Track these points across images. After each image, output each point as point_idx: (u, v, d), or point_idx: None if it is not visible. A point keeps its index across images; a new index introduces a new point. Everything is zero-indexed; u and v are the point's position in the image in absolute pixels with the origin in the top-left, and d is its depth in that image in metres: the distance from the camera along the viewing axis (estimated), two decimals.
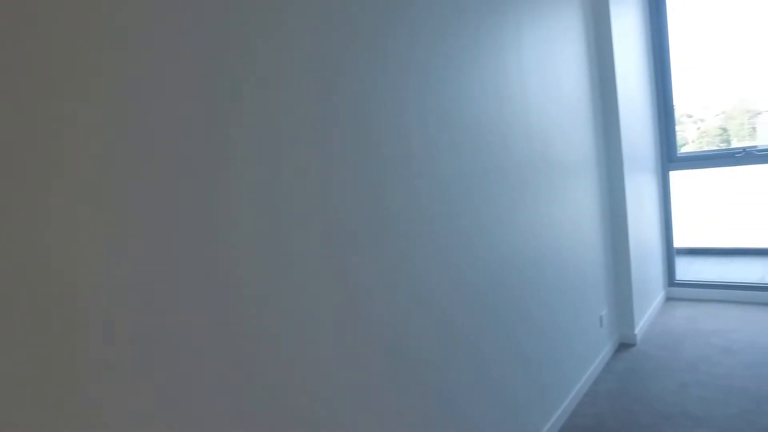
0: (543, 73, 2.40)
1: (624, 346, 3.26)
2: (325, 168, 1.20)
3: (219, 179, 0.96)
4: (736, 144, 7.02)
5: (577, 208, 2.78)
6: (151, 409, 0.85)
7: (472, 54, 1.85)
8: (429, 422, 1.56)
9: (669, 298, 3.99)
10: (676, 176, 3.89)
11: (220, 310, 0.96)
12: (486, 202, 1.91)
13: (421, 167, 1.55)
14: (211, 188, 0.95)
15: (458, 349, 1.72)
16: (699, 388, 2.64)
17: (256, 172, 1.03)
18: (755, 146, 3.54)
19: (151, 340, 0.85)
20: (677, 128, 5.47)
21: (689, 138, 7.20)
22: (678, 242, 4.03)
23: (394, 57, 1.45)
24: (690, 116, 7.63)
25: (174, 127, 0.89)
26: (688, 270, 4.47)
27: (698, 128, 7.27)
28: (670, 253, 3.97)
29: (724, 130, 7.36)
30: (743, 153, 3.51)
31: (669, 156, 3.81)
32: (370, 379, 1.33)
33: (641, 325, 3.40)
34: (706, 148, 7.20)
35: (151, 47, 0.87)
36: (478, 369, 1.84)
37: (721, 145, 7.31)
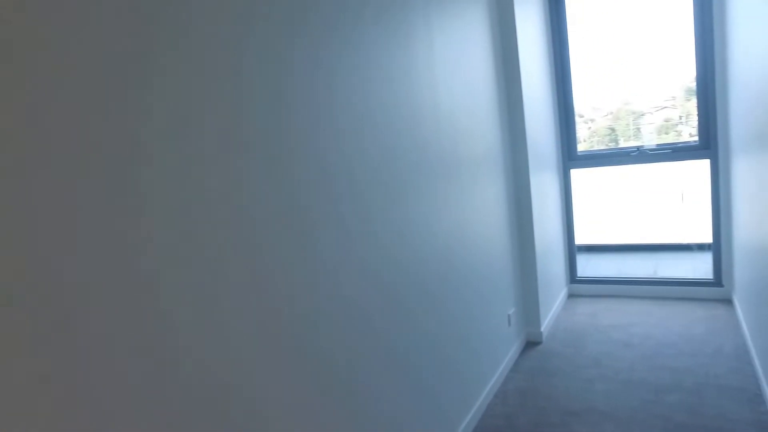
0: (453, 75, 2.36)
1: (531, 344, 3.24)
2: (236, 165, 1.15)
3: (127, 175, 0.91)
4: (623, 143, 7.47)
5: (486, 207, 2.71)
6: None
7: (383, 56, 1.76)
8: (344, 419, 1.47)
9: (571, 295, 4.06)
10: (575, 174, 3.97)
11: (128, 302, 0.91)
12: (399, 200, 1.85)
13: (334, 167, 1.46)
14: (119, 183, 0.90)
15: (375, 346, 1.64)
16: (603, 382, 2.64)
17: (166, 167, 0.98)
18: (648, 145, 3.68)
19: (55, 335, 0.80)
20: None
21: (581, 137, 7.57)
22: (578, 239, 4.12)
23: (301, 59, 1.36)
24: (581, 116, 8.05)
25: (79, 126, 0.84)
26: (587, 266, 4.61)
27: (589, 128, 7.68)
28: (572, 251, 4.05)
29: (613, 130, 7.82)
30: (637, 152, 3.64)
31: (569, 154, 3.88)
32: (281, 377, 1.25)
33: (546, 322, 3.40)
34: (596, 147, 7.62)
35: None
36: (395, 366, 1.75)
37: (609, 144, 7.77)
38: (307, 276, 1.33)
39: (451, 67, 2.33)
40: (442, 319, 2.13)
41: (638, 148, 3.65)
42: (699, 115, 3.49)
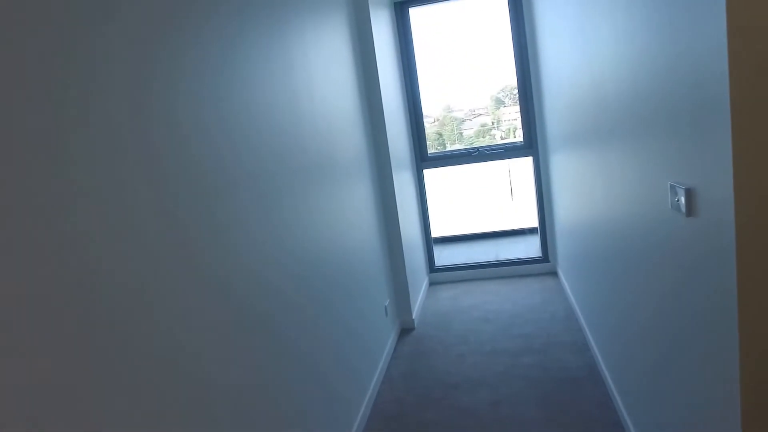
0: (326, 84, 2.52)
1: (405, 331, 3.58)
2: (113, 165, 1.04)
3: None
4: (449, 147, 8.34)
5: (360, 207, 2.95)
6: None
7: (265, 69, 1.83)
8: (240, 413, 1.48)
9: (432, 283, 4.52)
10: (427, 174, 4.42)
11: None
12: (285, 201, 1.91)
13: (214, 175, 1.45)
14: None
15: (275, 349, 1.70)
16: (472, 355, 3.06)
17: (41, 166, 0.88)
18: (488, 146, 4.26)
19: None
20: None
21: None
22: (433, 233, 4.59)
23: (190, 73, 1.37)
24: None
25: None
26: (441, 256, 5.13)
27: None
28: (429, 243, 4.51)
29: (440, 135, 8.68)
30: (477, 152, 4.19)
31: (422, 156, 4.31)
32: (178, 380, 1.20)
33: (416, 310, 3.77)
34: (430, 151, 8.36)
35: None
36: (297, 365, 1.84)
37: (439, 148, 8.59)
38: (189, 285, 1.25)
39: (324, 75, 2.49)
40: (331, 316, 2.26)
41: (478, 149, 4.20)
42: (522, 119, 4.15)
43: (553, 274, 4.26)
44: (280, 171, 1.87)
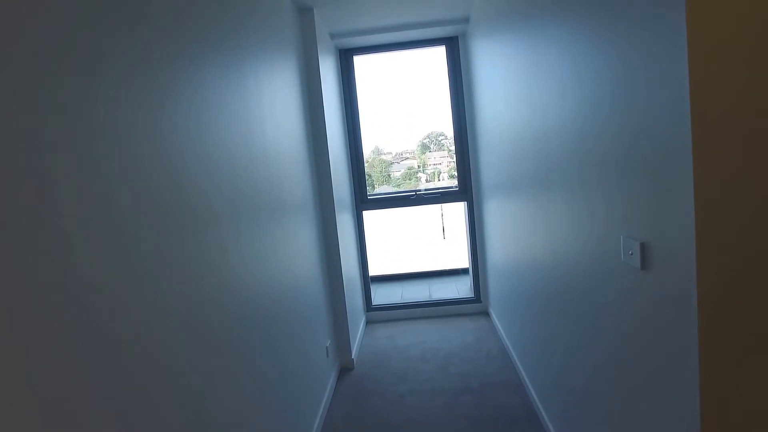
0: (278, 127, 2.58)
1: (345, 370, 3.60)
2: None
3: None
4: (377, 188, 8.59)
5: (306, 248, 2.99)
6: None
7: (221, 101, 1.88)
8: None
9: (369, 322, 4.58)
10: (366, 215, 4.53)
11: None
12: (232, 242, 1.92)
13: (171, 214, 1.46)
14: None
15: (215, 392, 1.66)
16: (412, 395, 3.14)
17: None
18: (425, 189, 4.45)
19: None
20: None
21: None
22: (370, 272, 4.68)
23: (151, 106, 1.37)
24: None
25: None
26: (376, 294, 5.22)
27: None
28: (367, 282, 4.59)
29: (369, 176, 8.94)
30: (415, 195, 4.37)
31: (361, 198, 4.43)
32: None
33: (355, 349, 3.82)
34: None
35: None
36: (237, 407, 1.80)
37: (368, 188, 8.82)
38: (126, 331, 1.33)
39: (276, 119, 2.55)
40: (274, 359, 2.24)
41: (416, 192, 4.38)
42: (457, 167, 4.40)
43: (485, 314, 4.47)
44: (227, 212, 1.87)
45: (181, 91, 1.52)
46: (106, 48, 1.16)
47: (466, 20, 3.94)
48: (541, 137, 2.25)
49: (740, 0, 0.95)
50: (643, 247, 1.35)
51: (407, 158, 8.52)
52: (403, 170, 8.55)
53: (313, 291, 3.13)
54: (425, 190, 4.45)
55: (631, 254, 1.40)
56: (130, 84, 1.25)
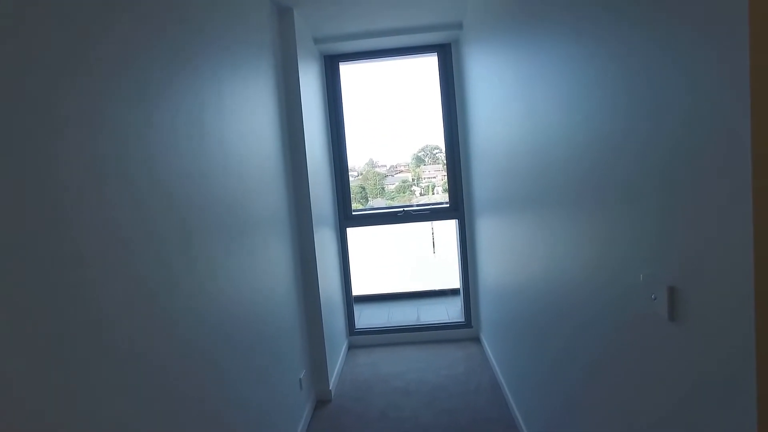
0: (243, 138, 2.33)
1: (321, 403, 3.29)
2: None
3: None
4: (371, 200, 8.35)
5: (277, 269, 2.70)
6: None
7: (172, 112, 1.60)
8: None
9: (351, 346, 4.27)
10: (351, 232, 4.25)
11: None
12: (192, 264, 1.65)
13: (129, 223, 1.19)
14: None
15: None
16: None
17: None
18: (414, 206, 4.18)
19: None
20: None
21: None
22: (354, 292, 4.38)
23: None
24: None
25: None
26: (361, 316, 4.91)
27: None
28: (350, 305, 4.29)
29: (363, 188, 8.69)
30: (403, 212, 4.09)
31: (345, 214, 4.15)
32: None
33: (334, 378, 3.50)
34: (353, 205, 8.32)
35: None
36: None
37: (361, 201, 8.57)
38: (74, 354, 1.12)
39: (241, 130, 2.30)
40: (233, 396, 2.01)
41: (404, 209, 4.10)
42: (449, 183, 4.13)
43: (476, 340, 4.16)
44: (175, 232, 1.62)
45: (125, 90, 1.25)
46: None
47: (459, 26, 3.70)
48: (540, 151, 1.98)
49: None
50: (673, 293, 1.05)
51: (401, 171, 8.27)
52: (397, 183, 8.29)
53: (285, 316, 2.83)
54: (414, 206, 4.18)
55: (655, 299, 1.11)
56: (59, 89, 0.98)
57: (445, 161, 4.16)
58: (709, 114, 0.90)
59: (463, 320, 4.26)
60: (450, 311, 4.98)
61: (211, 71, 2.00)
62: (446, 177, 4.16)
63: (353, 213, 4.17)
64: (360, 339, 4.29)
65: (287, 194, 3.05)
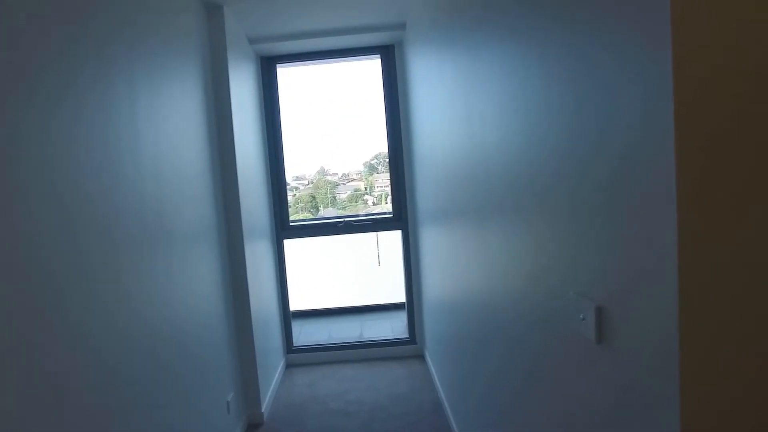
0: (160, 143, 2.11)
1: (252, 427, 3.03)
2: None
3: None
4: (322, 210, 8.14)
5: (200, 284, 2.46)
6: None
7: (74, 127, 1.38)
8: None
9: (289, 365, 4.01)
10: (288, 244, 4.01)
11: None
12: (98, 282, 1.41)
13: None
14: None
15: None
16: None
17: None
18: (355, 217, 3.99)
19: None
20: None
21: (289, 203, 7.94)
22: (293, 306, 4.14)
23: None
24: (287, 184, 8.48)
25: None
26: (301, 333, 4.66)
27: (294, 195, 8.13)
28: (287, 321, 4.04)
29: (313, 198, 8.46)
30: (343, 223, 3.90)
31: (282, 225, 3.91)
32: None
33: (267, 401, 3.25)
34: (301, 214, 8.09)
35: None
36: None
37: (312, 210, 8.35)
38: None
39: (158, 134, 2.08)
40: (153, 419, 1.77)
41: (344, 219, 3.91)
42: (392, 192, 3.97)
43: (420, 357, 3.99)
44: (97, 244, 1.40)
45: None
46: None
47: (402, 26, 3.55)
48: (479, 161, 1.84)
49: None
50: (601, 313, 0.93)
51: (354, 179, 8.10)
52: (349, 192, 8.11)
53: (212, 334, 2.58)
54: (355, 217, 4.00)
55: (583, 319, 0.99)
56: None
57: (389, 169, 4.00)
58: (641, 131, 0.77)
59: (408, 336, 4.09)
60: (395, 327, 4.80)
61: (125, 73, 1.78)
62: (390, 185, 4.00)
63: (291, 224, 3.94)
64: (298, 357, 4.04)
65: (215, 204, 2.81)
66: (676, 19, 0.69)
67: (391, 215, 3.97)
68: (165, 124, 2.16)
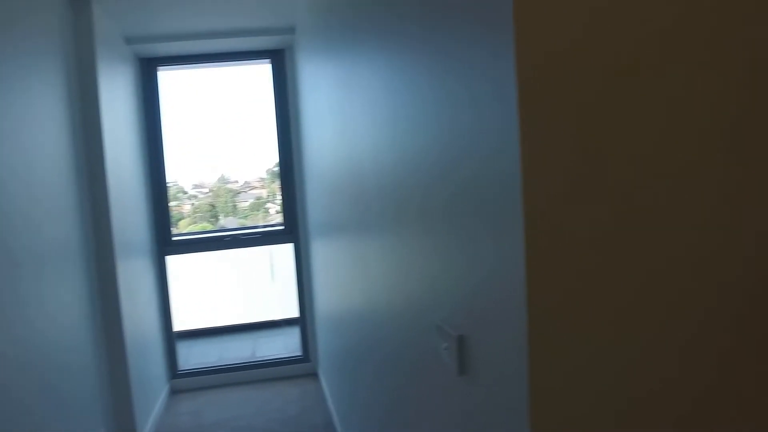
0: (4, 161, 1.83)
1: None
2: None
3: None
4: (222, 219, 7.75)
5: (61, 310, 2.19)
6: None
7: None
8: None
9: (174, 391, 3.72)
10: (172, 260, 3.73)
11: None
12: None
13: None
14: None
15: None
16: None
17: None
18: (244, 230, 3.80)
19: None
20: (174, 204, 5.42)
21: (185, 213, 7.49)
22: (179, 327, 3.86)
23: None
24: (185, 193, 8.02)
25: None
26: (189, 355, 4.35)
27: (192, 204, 7.69)
28: (171, 344, 3.74)
29: (213, 206, 8.05)
30: (231, 238, 3.69)
31: (165, 241, 3.63)
32: None
33: None
34: (199, 224, 7.64)
35: None
36: None
37: (211, 220, 7.93)
38: None
39: (3, 145, 1.81)
40: None
41: (232, 234, 3.71)
42: (283, 204, 3.82)
43: (314, 375, 3.85)
44: None
45: None
46: None
47: (292, 30, 3.42)
48: (356, 174, 1.78)
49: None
50: (462, 342, 0.88)
51: (256, 187, 7.80)
52: (251, 201, 7.78)
53: (75, 366, 2.31)
54: (243, 230, 3.81)
55: (446, 348, 0.94)
56: None
57: (280, 180, 3.85)
58: (496, 151, 0.72)
59: (301, 354, 3.94)
60: (290, 344, 4.62)
61: None
62: (281, 197, 3.85)
63: (174, 239, 3.66)
64: (184, 382, 3.75)
65: (81, 219, 2.53)
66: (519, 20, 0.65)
67: (283, 228, 3.82)
68: (16, 134, 1.90)
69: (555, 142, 0.66)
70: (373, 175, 1.50)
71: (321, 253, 3.17)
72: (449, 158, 0.89)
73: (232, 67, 4.09)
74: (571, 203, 0.67)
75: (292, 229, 3.80)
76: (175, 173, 6.82)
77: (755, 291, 0.74)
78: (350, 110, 1.75)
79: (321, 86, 2.54)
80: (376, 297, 1.64)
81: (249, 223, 7.57)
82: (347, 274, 2.23)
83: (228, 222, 7.76)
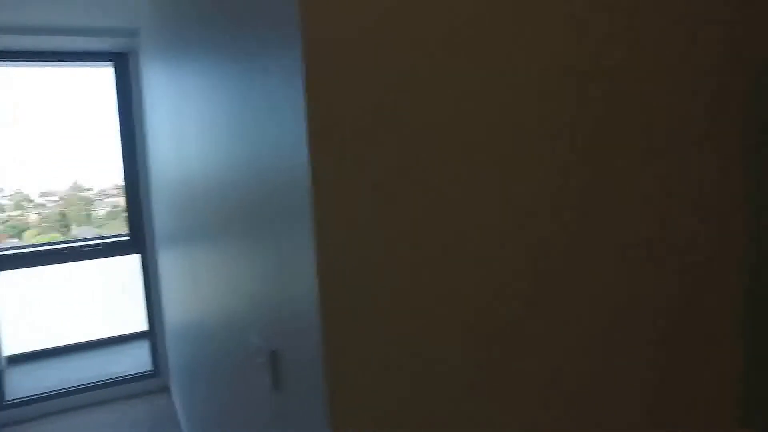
0: None
1: None
2: None
3: None
4: (75, 229, 7.16)
5: None
6: None
7: None
8: None
9: (3, 425, 3.36)
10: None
11: None
12: None
13: None
14: None
15: None
16: None
17: None
18: (83, 241, 3.54)
19: None
20: (16, 214, 4.93)
21: (32, 223, 6.82)
22: (10, 350, 3.50)
23: None
24: (31, 201, 7.28)
25: None
26: (26, 380, 3.95)
27: (39, 214, 7.02)
28: None
29: (64, 215, 7.40)
30: (68, 250, 3.42)
31: None
32: None
33: None
34: (49, 234, 6.98)
35: None
36: None
37: (62, 230, 7.29)
38: None
39: None
40: None
41: (70, 245, 3.43)
42: (129, 213, 3.61)
43: (166, 391, 3.68)
44: None
45: None
46: None
47: (136, 33, 3.24)
48: (189, 183, 1.74)
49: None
50: (275, 357, 0.89)
51: (113, 195, 7.27)
52: (107, 209, 7.25)
53: None
54: (81, 242, 3.55)
55: (261, 363, 0.95)
56: None
57: (124, 188, 3.63)
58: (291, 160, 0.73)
59: (152, 369, 3.75)
60: (141, 359, 4.37)
61: None
62: (126, 207, 3.64)
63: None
64: (14, 414, 3.40)
65: None
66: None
67: (128, 238, 3.61)
68: None
69: (343, 150, 0.68)
70: (201, 186, 1.48)
71: (167, 264, 3.04)
72: (257, 168, 0.89)
73: (74, 68, 3.79)
74: (363, 211, 0.69)
75: (137, 240, 3.60)
76: (16, 180, 6.16)
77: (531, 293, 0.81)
78: (183, 119, 1.72)
79: (162, 94, 2.45)
80: (207, 309, 1.62)
81: (106, 232, 7.06)
82: (186, 287, 2.18)
83: (82, 232, 7.17)
